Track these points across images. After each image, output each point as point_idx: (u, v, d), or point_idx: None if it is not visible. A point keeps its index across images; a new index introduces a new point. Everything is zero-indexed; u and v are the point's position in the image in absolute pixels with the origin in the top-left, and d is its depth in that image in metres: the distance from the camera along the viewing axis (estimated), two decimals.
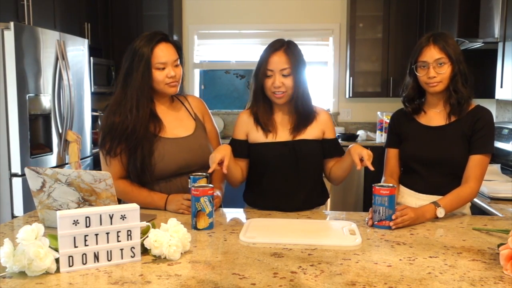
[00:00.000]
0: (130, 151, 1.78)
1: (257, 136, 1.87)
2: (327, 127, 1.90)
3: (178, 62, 1.82)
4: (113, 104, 1.81)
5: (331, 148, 1.89)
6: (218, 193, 1.83)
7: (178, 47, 1.85)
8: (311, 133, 1.87)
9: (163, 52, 1.77)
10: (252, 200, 1.93)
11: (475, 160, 1.74)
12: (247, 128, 1.89)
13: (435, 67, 1.73)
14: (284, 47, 1.80)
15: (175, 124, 1.89)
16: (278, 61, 1.78)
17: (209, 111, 2.06)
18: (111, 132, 1.78)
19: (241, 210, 1.87)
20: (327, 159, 1.91)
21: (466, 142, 1.76)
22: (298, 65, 1.80)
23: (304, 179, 1.86)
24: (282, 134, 1.86)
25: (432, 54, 1.74)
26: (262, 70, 1.80)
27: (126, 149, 1.78)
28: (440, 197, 1.70)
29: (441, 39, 1.75)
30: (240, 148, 1.87)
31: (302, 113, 1.85)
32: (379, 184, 1.60)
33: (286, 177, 1.84)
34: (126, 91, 1.78)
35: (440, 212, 1.64)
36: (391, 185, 1.57)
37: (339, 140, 2.01)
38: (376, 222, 1.56)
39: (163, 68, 1.78)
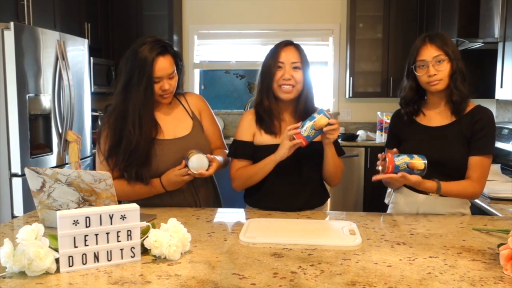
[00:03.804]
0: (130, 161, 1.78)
1: (260, 138, 1.86)
2: None
3: (174, 73, 1.81)
4: (116, 113, 1.79)
5: None
6: (219, 158, 1.82)
7: (177, 56, 1.83)
8: None
9: (160, 67, 1.75)
10: (253, 202, 1.92)
11: (474, 162, 1.73)
12: (253, 129, 1.89)
13: (434, 65, 1.72)
14: (293, 44, 1.85)
15: (172, 125, 1.89)
16: (289, 54, 1.81)
17: (209, 107, 2.04)
18: (118, 145, 1.77)
19: (241, 210, 1.87)
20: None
21: (466, 143, 1.75)
22: (306, 63, 1.84)
23: (306, 180, 1.85)
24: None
25: (430, 52, 1.73)
26: (272, 63, 1.81)
27: (127, 162, 1.77)
28: (440, 195, 1.71)
29: (437, 37, 1.75)
30: (246, 149, 1.86)
31: (306, 113, 1.84)
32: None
33: (288, 179, 1.83)
34: (128, 102, 1.76)
35: (434, 195, 1.70)
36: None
37: (339, 140, 1.99)
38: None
39: (158, 82, 1.78)
